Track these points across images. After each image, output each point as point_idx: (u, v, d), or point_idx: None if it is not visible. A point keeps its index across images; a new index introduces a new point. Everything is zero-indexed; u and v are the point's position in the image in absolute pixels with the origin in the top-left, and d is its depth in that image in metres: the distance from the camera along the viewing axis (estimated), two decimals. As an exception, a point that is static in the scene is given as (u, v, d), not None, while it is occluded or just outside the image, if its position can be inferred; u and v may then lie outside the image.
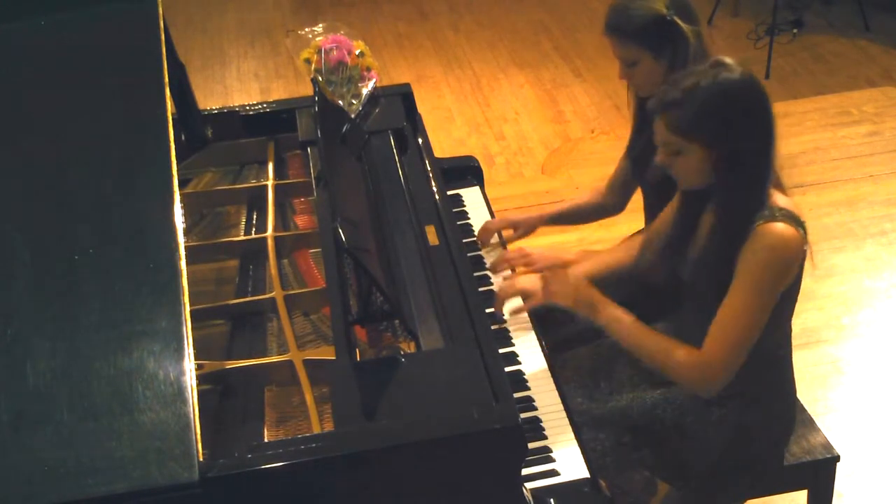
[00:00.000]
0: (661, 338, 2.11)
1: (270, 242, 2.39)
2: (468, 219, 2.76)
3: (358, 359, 1.98)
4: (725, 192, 2.00)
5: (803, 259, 2.02)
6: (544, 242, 2.98)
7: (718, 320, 2.01)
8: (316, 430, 1.89)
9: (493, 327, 2.26)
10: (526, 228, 2.71)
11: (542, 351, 2.29)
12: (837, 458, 2.28)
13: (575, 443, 2.03)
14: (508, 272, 2.54)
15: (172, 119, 2.03)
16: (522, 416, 2.05)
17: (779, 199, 2.02)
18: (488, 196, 2.89)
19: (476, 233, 2.69)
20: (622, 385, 2.26)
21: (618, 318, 2.14)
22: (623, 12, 2.39)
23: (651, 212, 2.60)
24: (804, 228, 2.01)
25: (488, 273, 2.55)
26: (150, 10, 2.24)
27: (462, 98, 5.03)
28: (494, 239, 2.66)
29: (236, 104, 3.00)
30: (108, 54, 2.21)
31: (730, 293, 2.00)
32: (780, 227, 1.96)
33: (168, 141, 1.99)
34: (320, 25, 2.72)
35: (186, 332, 1.73)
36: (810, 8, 5.55)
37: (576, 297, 2.17)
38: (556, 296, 2.19)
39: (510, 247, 2.66)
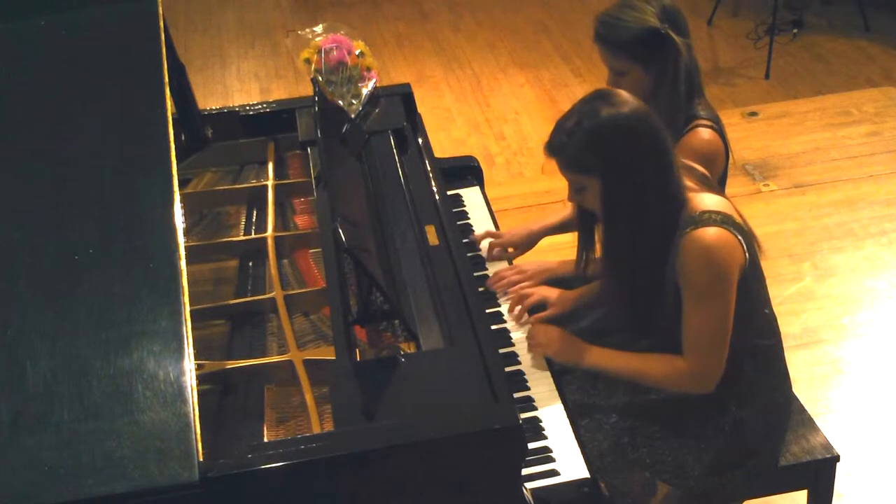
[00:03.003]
0: (647, 361, 2.15)
1: (270, 242, 2.39)
2: (468, 219, 2.76)
3: (358, 359, 1.98)
4: (624, 219, 2.03)
5: (748, 248, 2.04)
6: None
7: (686, 334, 2.06)
8: (316, 430, 1.89)
9: (493, 327, 2.27)
10: (525, 247, 2.69)
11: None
12: (837, 458, 2.28)
13: (575, 443, 2.04)
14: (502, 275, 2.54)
15: (172, 119, 2.03)
16: (522, 416, 2.05)
17: (705, 200, 2.04)
18: (488, 196, 2.89)
19: (475, 232, 2.69)
20: (620, 386, 2.26)
21: (601, 358, 2.21)
22: (614, 23, 2.37)
23: None
24: (733, 222, 2.02)
25: (488, 274, 2.56)
26: (150, 11, 2.24)
27: (462, 98, 5.03)
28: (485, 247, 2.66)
29: (236, 104, 3.00)
30: (108, 54, 2.21)
31: (684, 308, 2.04)
32: (704, 232, 1.98)
33: (168, 141, 1.99)
34: (320, 25, 2.72)
35: (186, 332, 1.73)
36: (810, 8, 5.55)
37: (560, 346, 2.22)
38: (541, 347, 2.25)
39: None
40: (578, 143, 1.98)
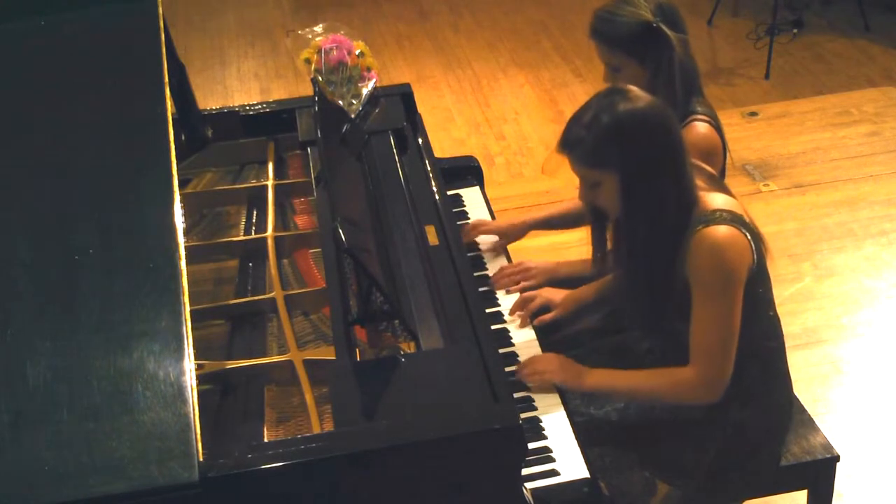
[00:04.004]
0: (650, 377, 2.14)
1: (270, 242, 2.39)
2: (468, 219, 2.76)
3: (358, 359, 1.98)
4: (641, 215, 2.03)
5: (756, 249, 2.04)
6: (544, 242, 2.98)
7: (694, 337, 2.05)
8: (316, 430, 1.89)
9: (493, 327, 2.27)
10: (512, 237, 2.69)
11: (543, 352, 2.29)
12: (837, 458, 2.28)
13: (575, 443, 2.03)
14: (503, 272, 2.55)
15: (172, 119, 2.03)
16: (522, 416, 2.05)
17: (715, 199, 2.05)
18: (488, 196, 2.89)
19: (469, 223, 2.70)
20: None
21: (603, 379, 2.17)
22: (609, 18, 2.39)
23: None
24: (742, 221, 2.02)
25: (488, 274, 2.56)
26: (150, 11, 2.24)
27: (462, 98, 5.03)
28: (486, 242, 2.66)
29: (236, 104, 3.00)
30: (108, 54, 2.20)
31: (693, 308, 2.03)
32: (715, 230, 1.98)
33: (168, 141, 1.99)
34: (320, 25, 2.72)
35: (186, 332, 1.73)
36: (810, 8, 5.55)
37: (560, 370, 2.19)
38: (538, 375, 2.20)
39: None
40: (597, 137, 1.97)
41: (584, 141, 1.99)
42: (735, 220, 2.01)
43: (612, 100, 1.98)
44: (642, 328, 2.26)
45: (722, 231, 1.99)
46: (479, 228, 2.67)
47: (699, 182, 2.06)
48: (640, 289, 2.12)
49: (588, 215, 2.19)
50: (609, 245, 2.18)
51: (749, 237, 2.02)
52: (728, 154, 2.50)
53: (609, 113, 1.97)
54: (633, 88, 2.03)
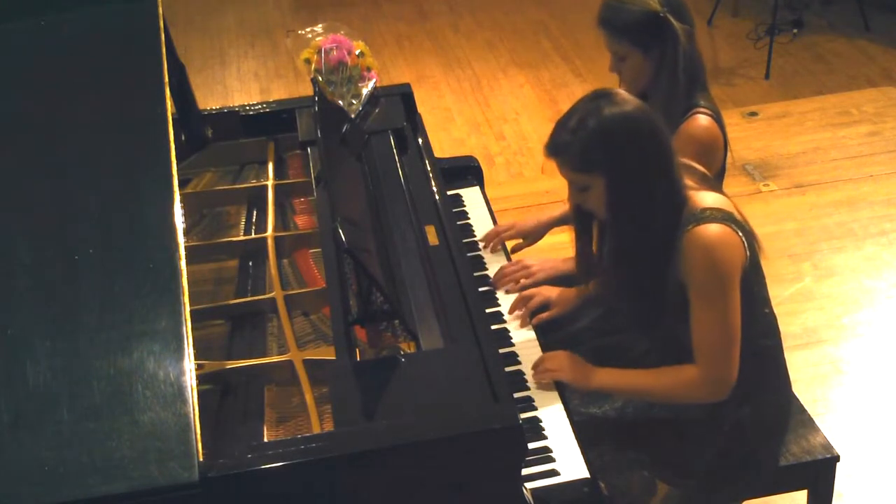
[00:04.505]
0: (656, 377, 2.13)
1: (270, 242, 2.39)
2: (468, 219, 2.76)
3: (358, 359, 1.98)
4: (631, 217, 2.03)
5: (748, 246, 2.04)
6: (543, 243, 2.96)
7: (696, 338, 2.05)
8: (316, 430, 1.89)
9: (494, 327, 2.27)
10: (534, 238, 2.70)
11: (542, 351, 2.29)
12: (837, 458, 2.28)
13: (575, 443, 2.04)
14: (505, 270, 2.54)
15: (172, 119, 2.03)
16: (522, 416, 2.05)
17: (705, 198, 2.05)
18: (488, 196, 2.89)
19: (476, 233, 2.69)
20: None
21: (610, 378, 2.17)
22: (617, 7, 2.41)
23: None
24: (734, 219, 2.03)
25: (488, 274, 2.56)
26: (150, 11, 2.24)
27: (462, 98, 5.03)
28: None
29: (236, 104, 3.00)
30: (108, 54, 2.21)
31: (692, 310, 2.03)
32: (706, 229, 1.99)
33: (168, 141, 1.99)
34: (320, 25, 2.72)
35: (186, 332, 1.73)
36: (810, 8, 5.55)
37: (571, 371, 2.18)
38: (550, 373, 2.20)
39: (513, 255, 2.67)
40: (583, 142, 1.98)
41: (571, 145, 1.99)
42: (726, 217, 2.01)
43: (597, 104, 1.99)
44: (638, 329, 2.26)
45: (713, 230, 1.99)
46: (503, 235, 2.66)
47: (689, 181, 2.06)
48: (633, 290, 2.12)
49: (574, 218, 2.19)
50: (594, 246, 2.18)
51: (741, 234, 2.02)
52: (729, 151, 2.51)
53: (595, 117, 1.97)
54: (619, 91, 2.04)
